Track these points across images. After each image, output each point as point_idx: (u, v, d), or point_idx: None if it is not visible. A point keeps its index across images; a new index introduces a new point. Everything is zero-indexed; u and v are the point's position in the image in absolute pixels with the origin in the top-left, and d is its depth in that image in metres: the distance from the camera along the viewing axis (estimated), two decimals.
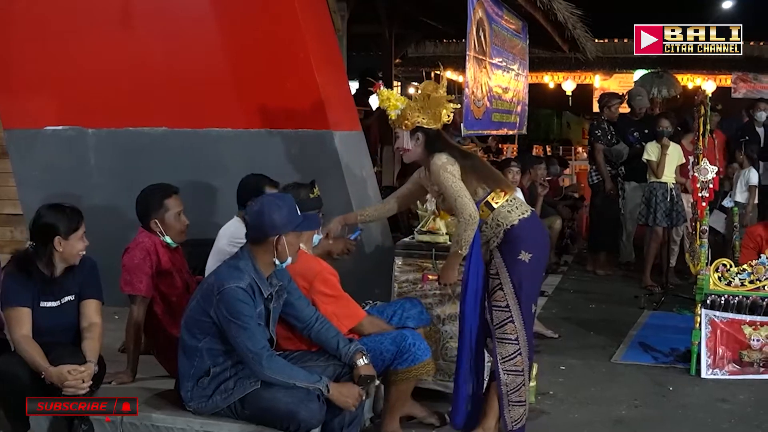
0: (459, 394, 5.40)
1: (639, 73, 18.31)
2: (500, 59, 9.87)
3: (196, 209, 6.17)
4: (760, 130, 12.61)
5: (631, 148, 11.06)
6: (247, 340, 4.48)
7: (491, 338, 5.39)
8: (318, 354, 4.92)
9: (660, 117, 10.83)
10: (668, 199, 10.13)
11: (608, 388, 6.82)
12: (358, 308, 5.26)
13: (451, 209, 5.32)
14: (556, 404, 6.39)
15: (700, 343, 7.08)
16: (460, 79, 15.30)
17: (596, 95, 18.64)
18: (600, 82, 20.20)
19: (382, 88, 5.56)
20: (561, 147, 19.43)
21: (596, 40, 16.59)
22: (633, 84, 17.91)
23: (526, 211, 5.37)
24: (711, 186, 7.49)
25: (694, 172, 7.72)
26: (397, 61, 16.24)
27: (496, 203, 5.33)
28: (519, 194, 9.05)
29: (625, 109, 12.08)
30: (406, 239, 6.39)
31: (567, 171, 17.33)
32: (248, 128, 7.36)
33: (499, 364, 5.33)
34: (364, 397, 4.80)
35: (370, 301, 5.73)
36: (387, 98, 5.44)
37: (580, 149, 19.26)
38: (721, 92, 19.94)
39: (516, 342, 5.30)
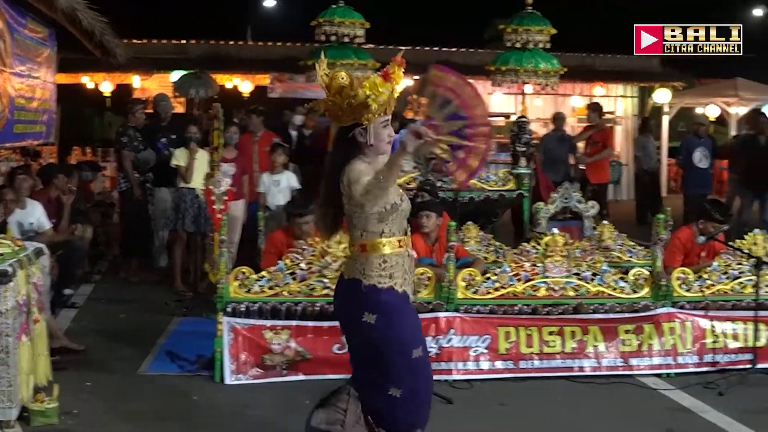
0: None
1: (177, 74, 18.52)
2: (23, 68, 9.67)
3: None
4: (294, 133, 13.30)
5: (159, 155, 11.16)
6: None
7: None
8: None
9: (189, 123, 11.07)
10: (196, 205, 10.36)
11: (134, 402, 6.85)
12: None
13: None
14: (80, 423, 6.31)
15: (222, 351, 7.25)
16: None
17: (136, 95, 18.64)
18: (140, 83, 20.23)
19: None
20: (101, 149, 19.26)
21: (134, 41, 16.63)
22: (171, 84, 18.19)
23: None
24: (226, 198, 7.80)
25: (209, 185, 7.99)
26: None
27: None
28: (39, 208, 9.00)
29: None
30: None
31: (107, 172, 17.22)
32: None
33: None
34: None
35: None
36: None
37: None
38: (259, 91, 20.73)
39: None
